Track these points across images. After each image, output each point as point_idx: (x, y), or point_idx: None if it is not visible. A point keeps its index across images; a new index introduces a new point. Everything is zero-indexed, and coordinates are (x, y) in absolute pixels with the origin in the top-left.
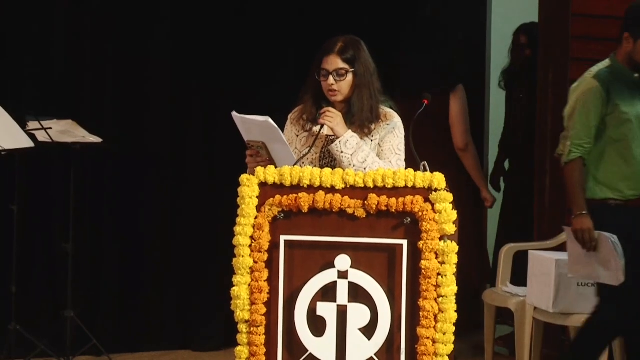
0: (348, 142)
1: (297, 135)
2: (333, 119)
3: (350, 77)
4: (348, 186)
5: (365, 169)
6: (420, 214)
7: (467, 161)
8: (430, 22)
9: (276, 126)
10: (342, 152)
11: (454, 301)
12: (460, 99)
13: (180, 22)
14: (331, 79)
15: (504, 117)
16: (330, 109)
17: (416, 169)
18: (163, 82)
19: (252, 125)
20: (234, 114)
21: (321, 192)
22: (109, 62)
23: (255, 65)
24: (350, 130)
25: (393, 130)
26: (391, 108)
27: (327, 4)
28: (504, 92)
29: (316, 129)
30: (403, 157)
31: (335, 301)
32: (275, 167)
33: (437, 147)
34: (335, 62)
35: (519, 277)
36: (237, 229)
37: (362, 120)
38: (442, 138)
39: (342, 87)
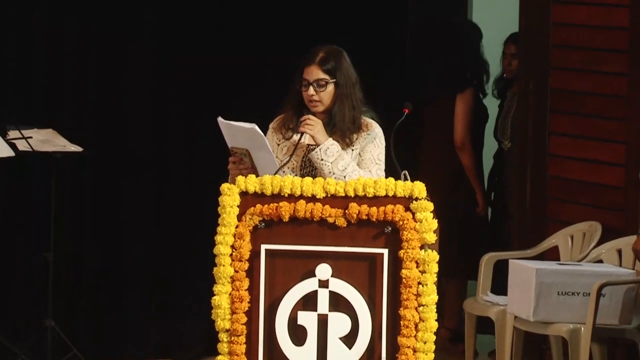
0: (328, 150)
1: (278, 144)
2: (313, 127)
3: (330, 87)
4: (329, 195)
5: (345, 177)
6: (401, 223)
7: (463, 160)
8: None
9: (262, 134)
10: (322, 159)
11: (435, 310)
12: (465, 101)
13: (162, 29)
14: (311, 90)
15: (494, 126)
16: (311, 116)
17: (397, 178)
18: (144, 90)
19: (238, 131)
20: (220, 119)
21: (302, 201)
22: (90, 70)
23: (236, 72)
24: (330, 139)
25: (374, 140)
26: (372, 118)
27: (309, 11)
28: (485, 98)
29: (297, 137)
30: (383, 166)
31: (316, 310)
32: (257, 175)
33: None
34: (315, 73)
35: (500, 285)
36: (218, 238)
37: (343, 130)
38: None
39: (322, 97)
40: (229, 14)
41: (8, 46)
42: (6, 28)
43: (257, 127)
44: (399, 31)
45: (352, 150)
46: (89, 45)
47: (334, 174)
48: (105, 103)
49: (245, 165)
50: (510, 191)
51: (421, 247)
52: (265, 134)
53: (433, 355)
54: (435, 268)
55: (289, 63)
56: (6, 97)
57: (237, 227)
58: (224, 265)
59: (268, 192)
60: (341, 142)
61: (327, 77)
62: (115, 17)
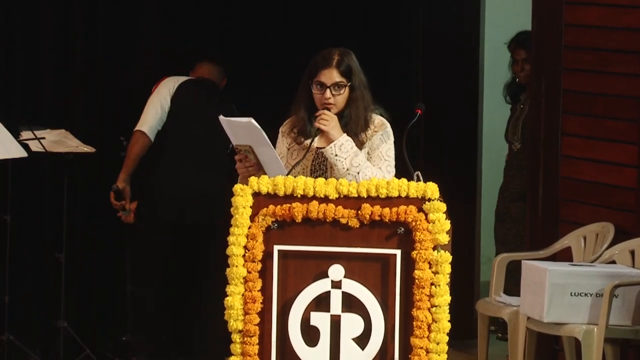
0: (343, 146)
1: (289, 148)
2: (328, 122)
3: (346, 90)
4: (341, 196)
5: (359, 173)
6: (414, 223)
7: None
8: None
9: (259, 127)
10: (336, 155)
11: (448, 311)
12: None
13: (169, 28)
14: (328, 93)
15: (505, 129)
16: (326, 112)
17: (409, 178)
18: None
19: (238, 127)
20: (221, 117)
21: (315, 202)
22: (101, 71)
23: (243, 72)
24: (345, 134)
25: (382, 137)
26: (381, 115)
27: (313, 11)
28: (495, 104)
29: (307, 141)
30: (393, 163)
31: (328, 311)
32: (263, 172)
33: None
34: (333, 76)
35: (514, 287)
36: (231, 238)
37: (356, 132)
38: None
39: (338, 101)
40: (234, 16)
41: (19, 47)
42: (16, 29)
43: (253, 121)
44: (409, 32)
45: (364, 148)
46: (97, 46)
47: (347, 169)
48: (116, 104)
49: (250, 162)
50: (513, 192)
51: (434, 248)
52: (269, 134)
53: (446, 356)
54: (448, 269)
55: (295, 65)
56: (19, 98)
57: (249, 227)
58: (236, 266)
59: (281, 193)
60: (354, 143)
61: (344, 80)
62: (123, 17)
